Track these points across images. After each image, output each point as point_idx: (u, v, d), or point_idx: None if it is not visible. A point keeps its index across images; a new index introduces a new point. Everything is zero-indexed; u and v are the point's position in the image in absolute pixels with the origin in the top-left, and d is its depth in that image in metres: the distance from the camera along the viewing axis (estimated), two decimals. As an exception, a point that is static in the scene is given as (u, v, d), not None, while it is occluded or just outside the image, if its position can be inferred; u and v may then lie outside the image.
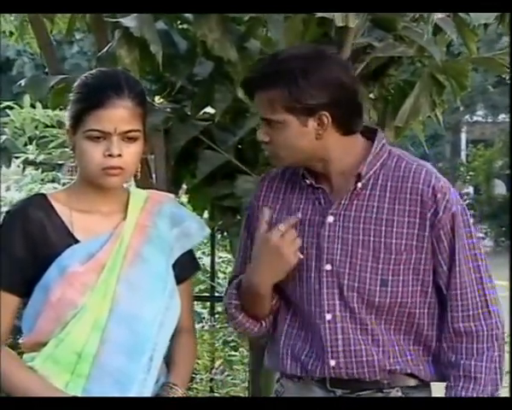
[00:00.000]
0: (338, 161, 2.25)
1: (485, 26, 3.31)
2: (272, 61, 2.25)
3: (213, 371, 4.96)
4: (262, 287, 2.26)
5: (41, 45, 3.56)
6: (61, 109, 3.45)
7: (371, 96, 3.30)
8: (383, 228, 2.21)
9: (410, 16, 2.98)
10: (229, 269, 5.58)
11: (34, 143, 7.86)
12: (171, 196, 2.44)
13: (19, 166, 8.11)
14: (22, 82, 3.37)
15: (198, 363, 4.81)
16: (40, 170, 8.36)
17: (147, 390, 2.20)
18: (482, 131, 23.27)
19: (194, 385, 4.84)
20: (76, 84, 2.26)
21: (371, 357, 2.22)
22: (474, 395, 2.20)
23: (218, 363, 5.03)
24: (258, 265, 2.26)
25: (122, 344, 2.18)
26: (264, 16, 2.88)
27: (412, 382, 2.27)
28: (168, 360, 2.30)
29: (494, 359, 2.23)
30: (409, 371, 2.25)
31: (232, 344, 5.18)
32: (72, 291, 2.17)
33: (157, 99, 3.25)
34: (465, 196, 21.30)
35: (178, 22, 3.22)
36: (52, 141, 7.48)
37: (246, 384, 4.56)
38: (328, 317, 2.23)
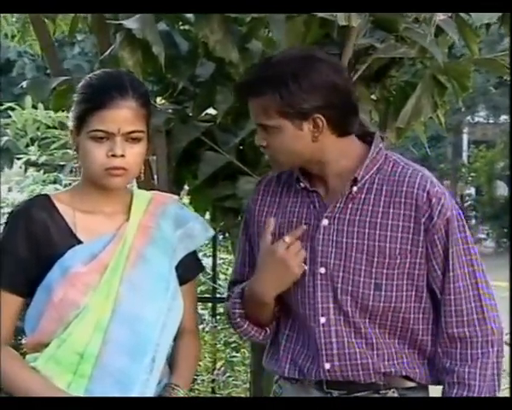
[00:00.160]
0: (335, 163, 2.25)
1: (487, 27, 3.31)
2: (263, 66, 2.25)
3: (215, 372, 4.96)
4: (266, 297, 2.27)
5: (43, 47, 3.57)
6: (62, 111, 3.44)
7: (373, 97, 3.30)
8: (377, 232, 2.21)
9: (412, 17, 2.98)
10: (231, 270, 5.58)
11: (36, 144, 7.85)
12: (175, 197, 2.44)
13: (21, 168, 8.11)
14: (24, 83, 3.37)
15: (199, 364, 4.81)
16: (42, 171, 8.35)
17: (149, 391, 2.20)
18: (484, 132, 23.26)
19: (196, 386, 4.84)
20: (80, 84, 2.27)
21: (366, 360, 2.22)
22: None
23: (219, 364, 5.04)
24: (263, 275, 2.26)
25: (124, 345, 2.19)
26: (266, 17, 2.88)
27: (408, 383, 2.27)
28: (171, 362, 2.31)
29: (489, 366, 2.21)
30: (404, 373, 2.25)
31: (233, 345, 5.18)
32: (75, 292, 2.18)
33: (159, 100, 3.25)
34: (467, 198, 21.32)
35: (180, 23, 3.22)
36: (54, 142, 7.47)
37: (247, 385, 4.56)
38: (323, 320, 2.24)
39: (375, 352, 2.23)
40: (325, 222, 2.25)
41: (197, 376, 4.83)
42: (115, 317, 2.19)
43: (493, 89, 19.27)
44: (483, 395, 2.20)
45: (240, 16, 2.95)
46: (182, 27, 3.23)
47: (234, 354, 5.18)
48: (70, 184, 2.47)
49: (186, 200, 3.40)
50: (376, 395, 2.25)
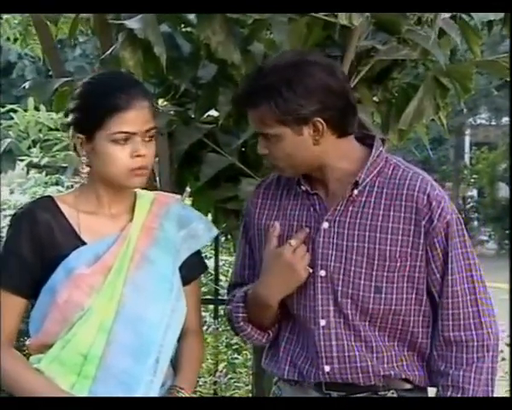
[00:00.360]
0: (335, 165, 2.25)
1: (489, 28, 3.32)
2: (256, 76, 2.24)
3: (217, 374, 4.95)
4: (271, 300, 2.27)
5: (45, 49, 3.57)
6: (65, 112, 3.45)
7: (375, 99, 3.30)
8: (378, 235, 2.21)
9: (415, 19, 2.98)
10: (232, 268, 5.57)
11: (38, 146, 7.86)
12: (178, 197, 2.44)
13: (23, 170, 8.11)
14: (26, 84, 3.38)
15: (201, 366, 4.80)
16: (44, 173, 8.36)
17: (153, 392, 2.20)
18: (486, 133, 23.24)
19: (198, 388, 4.83)
20: (81, 90, 2.25)
21: (365, 363, 2.23)
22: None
23: (221, 366, 5.03)
24: (269, 279, 2.26)
25: (128, 346, 2.19)
26: (268, 19, 2.88)
27: (407, 386, 2.27)
28: (175, 363, 2.30)
29: (484, 370, 2.21)
30: (403, 376, 2.25)
31: (235, 347, 5.18)
32: (79, 293, 2.18)
33: (161, 102, 3.25)
34: (469, 199, 21.30)
35: (182, 25, 3.22)
36: (56, 144, 7.47)
37: (249, 387, 4.55)
38: (323, 323, 2.24)
39: (374, 355, 2.23)
40: (325, 225, 2.25)
41: (199, 378, 4.82)
42: (119, 318, 2.20)
43: (495, 91, 19.25)
44: None
45: (242, 18, 2.95)
46: (184, 29, 3.23)
47: (236, 355, 5.17)
48: (72, 186, 2.47)
49: (188, 202, 3.39)
50: (375, 396, 2.25)
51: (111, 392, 2.17)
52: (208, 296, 5.14)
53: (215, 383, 4.93)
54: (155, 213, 2.31)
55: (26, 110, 7.64)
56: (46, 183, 8.42)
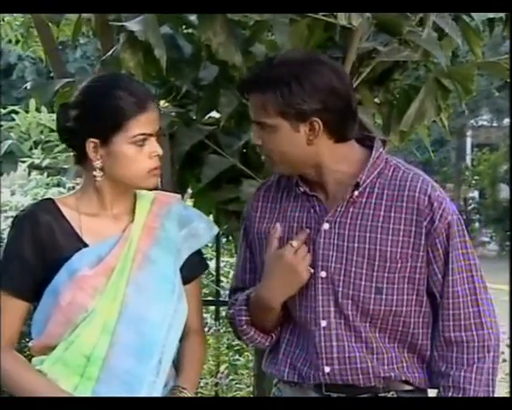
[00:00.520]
0: (332, 168, 2.25)
1: (491, 29, 3.32)
2: (267, 65, 2.25)
3: (218, 375, 4.95)
4: (274, 302, 2.27)
5: (47, 50, 3.57)
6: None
7: (376, 100, 3.30)
8: (378, 236, 2.22)
9: (416, 21, 2.98)
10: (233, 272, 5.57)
11: (39, 147, 7.87)
12: (178, 196, 2.45)
13: (24, 171, 8.12)
14: (28, 86, 3.38)
15: (203, 367, 4.80)
16: (45, 174, 8.37)
17: (156, 393, 2.20)
18: (487, 135, 23.23)
19: (199, 390, 4.83)
20: (95, 94, 2.22)
21: (365, 364, 2.23)
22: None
23: (222, 367, 5.03)
24: (271, 281, 2.26)
25: (131, 346, 2.19)
26: (270, 20, 2.88)
27: (407, 387, 2.27)
28: (177, 363, 2.30)
29: (485, 371, 2.21)
30: (403, 378, 2.25)
31: (237, 348, 5.18)
32: (83, 295, 2.18)
33: (162, 103, 3.26)
34: (470, 201, 21.30)
35: (183, 27, 3.23)
36: (57, 145, 7.48)
37: (251, 389, 4.55)
38: (323, 324, 2.24)
39: (374, 356, 2.23)
40: (326, 226, 2.25)
41: (201, 379, 4.82)
42: (122, 319, 2.20)
43: (497, 92, 19.24)
44: None
45: (243, 19, 2.95)
46: (185, 30, 3.23)
47: (237, 357, 5.17)
48: (74, 187, 2.47)
49: (189, 203, 3.40)
50: (376, 397, 2.25)
51: (114, 393, 2.17)
52: (209, 298, 5.13)
53: (216, 384, 4.93)
54: (156, 213, 2.31)
55: (27, 111, 7.64)
56: (47, 184, 8.42)
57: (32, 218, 2.23)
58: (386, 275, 2.21)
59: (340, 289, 2.23)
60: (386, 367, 2.23)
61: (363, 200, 2.25)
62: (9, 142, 7.44)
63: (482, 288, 2.25)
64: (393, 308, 2.23)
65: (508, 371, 4.69)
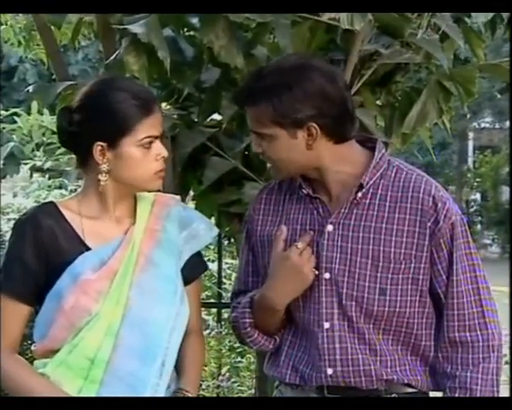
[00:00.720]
0: (334, 168, 2.25)
1: (493, 31, 3.32)
2: (257, 76, 2.25)
3: (220, 377, 4.96)
4: (278, 304, 2.27)
5: (49, 53, 3.58)
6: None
7: (378, 102, 3.30)
8: (382, 237, 2.22)
9: (418, 23, 2.98)
10: (235, 275, 5.57)
11: (41, 149, 7.87)
12: (177, 197, 2.45)
13: (27, 172, 8.13)
14: (30, 88, 3.38)
15: (205, 370, 4.80)
16: (47, 176, 8.36)
17: (159, 395, 2.20)
18: (489, 137, 23.22)
19: (201, 392, 4.83)
20: (101, 97, 2.22)
21: (368, 366, 2.23)
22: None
23: (224, 370, 5.03)
24: (276, 283, 2.26)
25: (135, 349, 2.19)
26: (271, 23, 2.88)
27: (410, 390, 2.27)
28: (178, 365, 2.30)
29: (490, 371, 2.22)
30: (406, 381, 2.25)
31: (239, 350, 5.18)
32: (86, 299, 2.18)
33: (164, 106, 3.26)
34: (472, 203, 21.29)
35: (185, 29, 3.23)
36: (59, 147, 7.48)
37: (253, 391, 4.55)
38: (327, 325, 2.24)
39: (377, 358, 2.23)
40: (330, 228, 2.25)
41: (202, 381, 4.82)
42: (125, 322, 2.20)
43: (499, 94, 19.23)
44: None
45: (245, 22, 2.95)
46: (187, 33, 3.24)
47: (239, 359, 5.17)
48: (76, 189, 2.47)
49: (191, 205, 3.40)
50: (380, 397, 2.25)
51: (118, 395, 2.17)
52: (211, 300, 5.14)
53: (218, 386, 4.93)
54: (157, 215, 2.32)
55: (29, 114, 7.65)
56: (49, 186, 8.42)
57: (33, 222, 2.23)
58: (389, 276, 2.22)
59: (344, 290, 2.23)
60: (388, 370, 2.23)
61: (367, 201, 2.25)
62: (11, 144, 7.45)
63: (485, 288, 2.26)
64: (397, 309, 2.23)
65: (508, 374, 4.69)
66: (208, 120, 3.25)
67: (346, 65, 2.96)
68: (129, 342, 2.19)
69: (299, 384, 2.30)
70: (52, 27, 3.50)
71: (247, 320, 2.32)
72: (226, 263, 5.91)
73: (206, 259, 2.49)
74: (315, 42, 2.97)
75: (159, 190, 2.33)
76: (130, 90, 2.22)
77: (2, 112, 8.08)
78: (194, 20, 3.08)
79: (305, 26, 2.92)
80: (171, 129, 3.11)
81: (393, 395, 2.25)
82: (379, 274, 2.22)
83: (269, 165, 2.34)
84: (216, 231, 2.43)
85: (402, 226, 2.22)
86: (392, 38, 3.05)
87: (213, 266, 5.35)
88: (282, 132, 2.20)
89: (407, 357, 2.26)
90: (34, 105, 7.31)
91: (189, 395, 2.25)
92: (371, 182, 2.25)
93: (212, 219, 3.36)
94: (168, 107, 3.28)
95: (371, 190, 2.25)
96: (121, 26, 2.89)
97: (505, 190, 20.16)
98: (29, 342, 2.30)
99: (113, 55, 2.98)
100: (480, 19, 3.05)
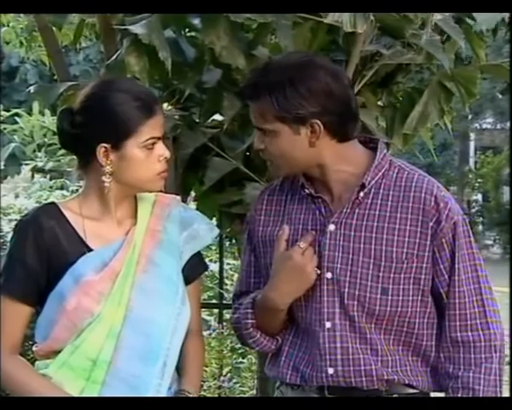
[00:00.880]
0: (335, 168, 2.25)
1: (494, 32, 3.32)
2: (262, 71, 2.25)
3: (221, 378, 4.95)
4: (281, 304, 2.27)
5: (50, 53, 3.58)
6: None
7: (379, 103, 3.30)
8: (384, 236, 2.22)
9: (419, 23, 2.98)
10: (237, 276, 5.57)
11: (43, 150, 7.88)
12: (178, 197, 2.45)
13: (28, 173, 8.14)
14: (31, 89, 3.38)
15: (206, 370, 4.80)
16: (49, 177, 8.38)
17: (161, 395, 2.20)
18: (491, 138, 23.22)
19: (203, 393, 4.83)
20: (104, 99, 2.21)
21: (369, 366, 2.23)
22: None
23: (226, 370, 5.03)
24: (279, 282, 2.26)
25: (137, 349, 2.19)
26: (273, 23, 2.88)
27: (410, 391, 2.27)
28: (179, 366, 2.30)
29: (493, 371, 2.22)
30: (407, 381, 2.25)
31: (240, 351, 5.17)
32: (88, 300, 2.18)
33: (165, 106, 3.26)
34: (474, 204, 21.29)
35: (186, 30, 3.23)
36: (61, 148, 7.50)
37: (254, 392, 4.55)
38: (328, 325, 2.24)
39: (379, 358, 2.23)
40: (332, 227, 2.25)
41: (203, 382, 4.82)
42: (127, 323, 2.20)
43: (500, 95, 19.23)
44: None
45: (246, 22, 2.95)
46: (188, 34, 3.24)
47: (240, 360, 5.17)
48: (77, 190, 2.47)
49: (193, 206, 3.40)
50: (381, 396, 2.25)
51: (120, 396, 2.17)
52: (213, 301, 5.14)
53: (220, 387, 4.93)
54: (158, 216, 2.32)
55: (30, 114, 7.66)
56: (51, 187, 8.43)
57: (35, 222, 2.23)
58: (391, 276, 2.22)
59: (346, 290, 2.23)
60: (389, 370, 2.24)
61: (369, 201, 2.25)
62: (13, 145, 7.46)
63: (487, 288, 2.26)
64: (399, 309, 2.23)
65: (509, 374, 4.68)
66: (210, 120, 3.25)
67: (348, 65, 2.96)
68: (131, 343, 2.19)
69: (299, 385, 2.30)
70: (53, 28, 3.51)
71: (250, 321, 2.32)
72: (228, 264, 5.91)
73: (207, 259, 2.49)
74: (316, 42, 2.97)
75: (160, 191, 2.33)
76: (131, 92, 2.22)
77: (4, 112, 8.10)
78: (196, 21, 3.08)
79: (306, 27, 2.92)
80: (172, 130, 3.11)
81: (394, 396, 2.25)
82: (381, 274, 2.22)
83: (269, 163, 2.34)
84: (216, 231, 2.43)
85: (404, 226, 2.22)
86: (393, 38, 3.05)
87: (215, 267, 5.35)
88: (285, 128, 2.20)
89: (408, 358, 2.26)
90: (35, 106, 7.32)
91: (191, 397, 2.25)
92: (373, 182, 2.25)
93: (214, 219, 3.36)
94: (169, 107, 3.28)
95: (373, 190, 2.25)
96: (122, 27, 2.89)
97: (507, 190, 20.15)
98: (30, 342, 2.30)
99: (115, 56, 2.98)
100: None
